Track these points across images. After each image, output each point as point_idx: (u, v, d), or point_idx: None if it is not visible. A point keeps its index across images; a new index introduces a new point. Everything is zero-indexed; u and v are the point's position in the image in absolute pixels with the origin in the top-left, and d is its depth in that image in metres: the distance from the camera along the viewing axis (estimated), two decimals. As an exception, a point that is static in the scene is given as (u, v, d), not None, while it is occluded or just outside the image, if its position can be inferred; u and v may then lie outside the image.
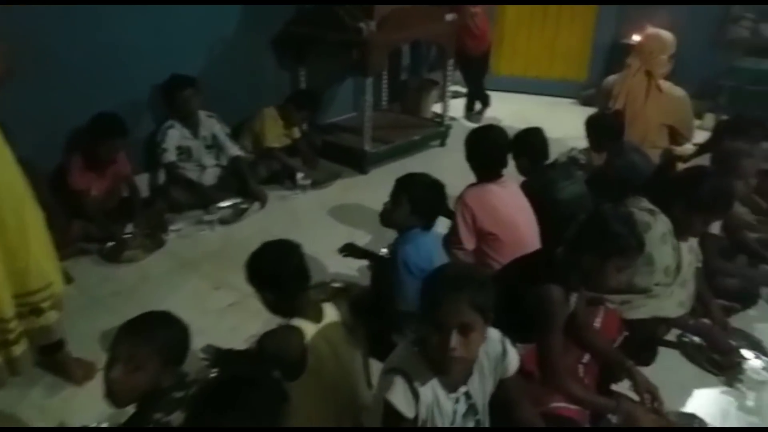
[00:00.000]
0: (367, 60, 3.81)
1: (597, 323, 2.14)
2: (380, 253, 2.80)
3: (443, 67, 4.74)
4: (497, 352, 1.66)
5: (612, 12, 5.49)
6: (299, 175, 3.90)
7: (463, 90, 5.46)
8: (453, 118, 4.99)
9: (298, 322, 1.79)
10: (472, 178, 2.59)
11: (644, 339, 2.34)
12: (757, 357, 2.39)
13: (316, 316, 1.85)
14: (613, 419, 1.91)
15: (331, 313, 1.89)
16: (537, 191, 2.73)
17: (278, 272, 1.80)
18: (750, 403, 2.20)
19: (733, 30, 5.01)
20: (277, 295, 1.83)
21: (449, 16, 4.36)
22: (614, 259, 1.81)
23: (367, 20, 3.73)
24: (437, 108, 5.06)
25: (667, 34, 3.61)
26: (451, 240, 2.51)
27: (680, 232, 2.34)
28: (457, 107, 5.31)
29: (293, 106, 3.95)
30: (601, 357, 2.10)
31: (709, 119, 4.78)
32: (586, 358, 2.08)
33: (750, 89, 4.73)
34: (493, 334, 1.64)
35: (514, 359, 1.68)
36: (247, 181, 3.69)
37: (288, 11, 4.10)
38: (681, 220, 2.30)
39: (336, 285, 2.68)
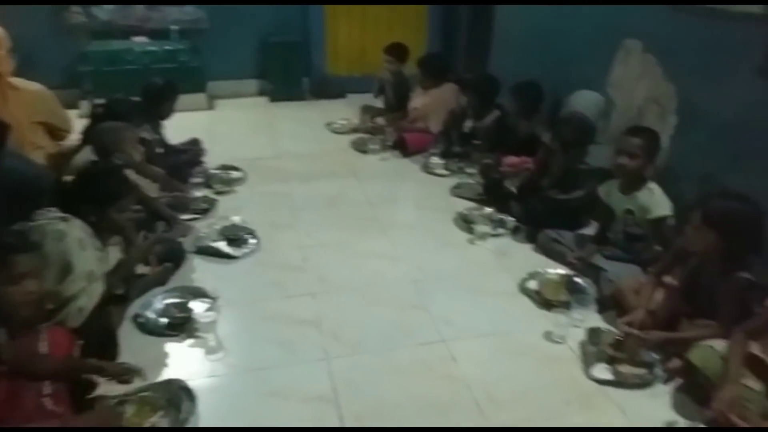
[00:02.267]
0: None
1: (44, 347, 1.95)
2: None
3: None
4: None
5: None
6: None
7: None
8: None
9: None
10: None
11: (101, 337, 2.29)
12: (202, 302, 2.67)
13: None
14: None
15: None
16: None
17: None
18: (212, 343, 2.45)
19: (69, 16, 5.07)
20: None
21: None
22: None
23: None
24: None
25: (-7, 30, 3.35)
26: None
27: (103, 231, 2.37)
28: None
29: None
30: (64, 375, 1.96)
31: (85, 106, 4.82)
32: (48, 388, 1.89)
33: (107, 70, 4.97)
34: None
35: None
36: None
37: None
38: (99, 220, 2.33)
39: None
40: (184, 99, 4.01)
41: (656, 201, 2.72)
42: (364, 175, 4.26)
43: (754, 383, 1.97)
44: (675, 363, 2.26)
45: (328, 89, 6.13)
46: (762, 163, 2.53)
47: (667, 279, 2.47)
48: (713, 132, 2.80)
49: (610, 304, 2.70)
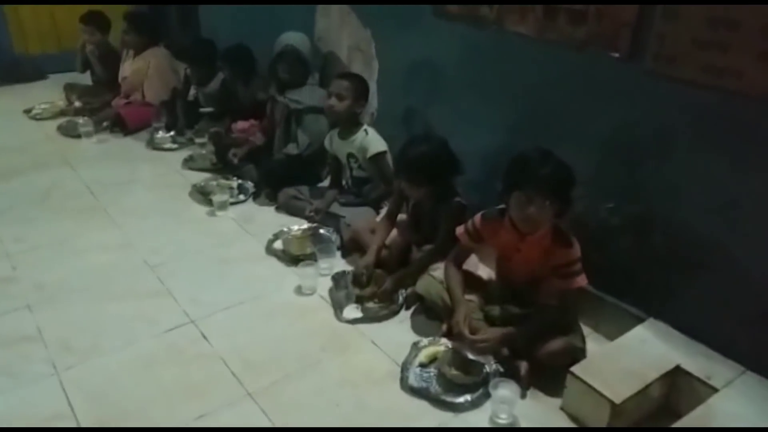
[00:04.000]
0: None
1: None
2: None
3: None
4: None
5: None
6: None
7: None
8: None
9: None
10: None
11: None
12: None
13: None
14: None
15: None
16: None
17: None
18: None
19: None
20: None
21: None
22: None
23: None
24: None
25: None
26: None
27: None
28: None
29: None
30: None
31: None
32: None
33: None
34: None
35: None
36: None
37: None
38: None
39: None
40: None
41: (370, 140, 2.88)
42: (79, 163, 3.78)
43: (471, 296, 2.23)
44: (411, 291, 2.45)
45: (21, 72, 5.28)
46: (446, 92, 2.82)
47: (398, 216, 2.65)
48: (409, 71, 3.01)
49: (352, 247, 2.82)
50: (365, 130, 2.90)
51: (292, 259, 2.76)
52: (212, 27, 4.61)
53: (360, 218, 2.86)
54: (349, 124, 2.91)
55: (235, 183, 3.45)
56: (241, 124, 3.77)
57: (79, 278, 2.62)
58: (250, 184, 3.42)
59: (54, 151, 3.94)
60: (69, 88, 4.66)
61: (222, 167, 3.63)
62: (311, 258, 2.71)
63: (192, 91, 4.24)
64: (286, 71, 3.26)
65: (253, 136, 3.60)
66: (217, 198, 3.20)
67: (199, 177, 3.56)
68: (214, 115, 4.09)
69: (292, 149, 3.33)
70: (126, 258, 2.79)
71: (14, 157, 3.83)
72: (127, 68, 4.29)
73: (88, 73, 4.76)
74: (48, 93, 4.88)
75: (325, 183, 3.32)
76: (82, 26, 4.34)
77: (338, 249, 2.84)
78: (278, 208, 3.26)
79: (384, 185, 2.91)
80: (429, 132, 2.70)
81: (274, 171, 3.32)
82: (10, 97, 4.91)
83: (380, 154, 2.87)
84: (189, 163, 3.76)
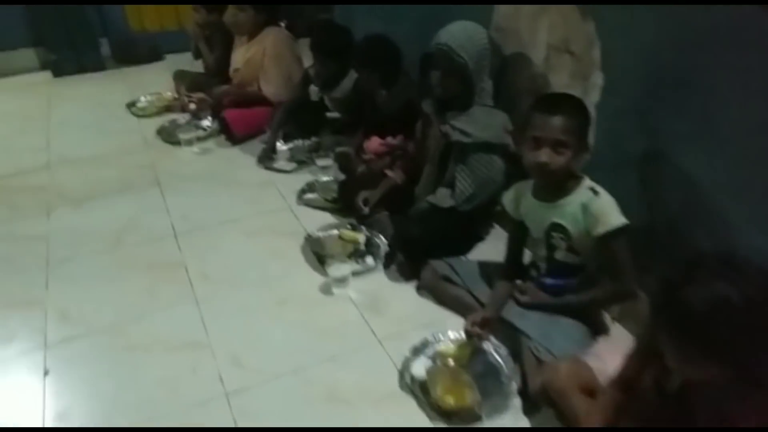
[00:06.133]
0: None
1: None
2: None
3: None
4: None
5: None
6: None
7: None
8: None
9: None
10: None
11: None
12: None
13: None
14: None
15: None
16: None
17: None
18: None
19: None
20: None
21: None
22: None
23: None
24: None
25: None
26: None
27: None
28: None
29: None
30: None
31: None
32: None
33: None
34: None
35: None
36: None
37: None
38: None
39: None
40: None
41: (604, 206, 1.64)
42: (171, 184, 2.95)
43: None
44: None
45: (136, 51, 4.62)
46: (730, 125, 1.52)
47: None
48: (656, 86, 1.73)
49: (543, 402, 1.67)
50: (592, 189, 1.68)
51: (442, 414, 1.67)
52: (348, 13, 3.48)
53: (562, 347, 1.69)
54: (560, 179, 1.71)
55: (362, 237, 2.42)
56: (374, 143, 2.71)
57: (123, 413, 1.73)
58: (382, 241, 2.37)
59: (146, 164, 3.14)
60: (179, 77, 3.87)
61: (344, 206, 2.61)
62: (472, 414, 1.61)
63: (312, 87, 3.21)
64: (438, 83, 2.12)
65: (391, 171, 2.51)
66: (333, 271, 2.17)
67: (318, 219, 2.58)
68: (340, 124, 3.08)
69: (444, 199, 2.22)
70: (195, 369, 1.86)
71: (98, 171, 3.08)
72: (240, 57, 3.35)
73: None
74: (161, 78, 4.15)
75: (490, 245, 2.18)
76: (192, 4, 3.49)
77: (518, 394, 1.71)
78: (420, 289, 2.18)
79: (615, 284, 1.70)
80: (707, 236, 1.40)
81: (413, 234, 2.21)
82: (118, 83, 4.27)
83: (619, 231, 1.64)
84: (306, 195, 2.78)
